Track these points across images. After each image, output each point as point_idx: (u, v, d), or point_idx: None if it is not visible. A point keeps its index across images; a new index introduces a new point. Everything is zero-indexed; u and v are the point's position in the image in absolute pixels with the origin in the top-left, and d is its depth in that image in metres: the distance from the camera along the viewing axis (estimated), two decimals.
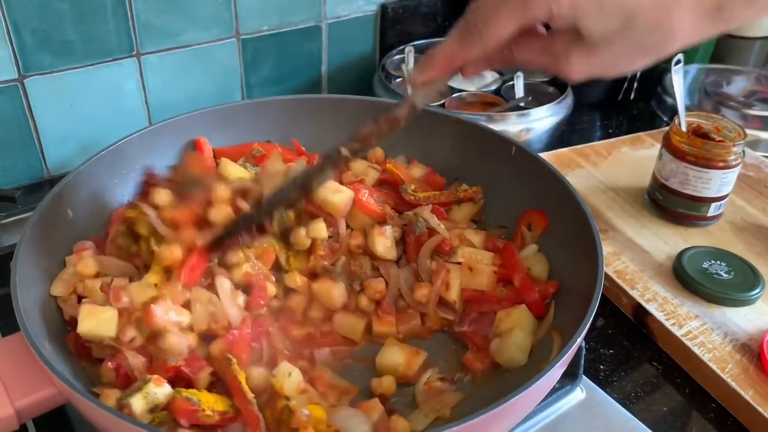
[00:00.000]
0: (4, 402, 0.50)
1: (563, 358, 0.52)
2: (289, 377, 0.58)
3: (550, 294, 0.69)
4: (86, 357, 0.60)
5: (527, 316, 0.67)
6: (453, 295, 0.70)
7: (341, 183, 0.82)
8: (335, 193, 0.72)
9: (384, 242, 0.72)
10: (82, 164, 0.70)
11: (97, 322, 0.58)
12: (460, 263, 0.72)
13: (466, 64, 0.52)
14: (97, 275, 0.63)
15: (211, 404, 0.54)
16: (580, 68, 0.49)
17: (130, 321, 0.59)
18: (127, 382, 0.56)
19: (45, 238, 0.64)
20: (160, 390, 0.53)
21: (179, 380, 0.57)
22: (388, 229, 0.73)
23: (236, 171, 0.75)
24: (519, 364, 0.64)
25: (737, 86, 1.31)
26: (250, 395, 0.56)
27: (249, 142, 0.85)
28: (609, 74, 0.49)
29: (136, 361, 0.57)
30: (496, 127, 0.97)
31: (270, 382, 0.58)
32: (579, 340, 0.54)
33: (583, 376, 0.70)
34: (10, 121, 0.93)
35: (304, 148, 0.85)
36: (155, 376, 0.54)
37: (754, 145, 1.14)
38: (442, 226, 0.74)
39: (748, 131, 0.92)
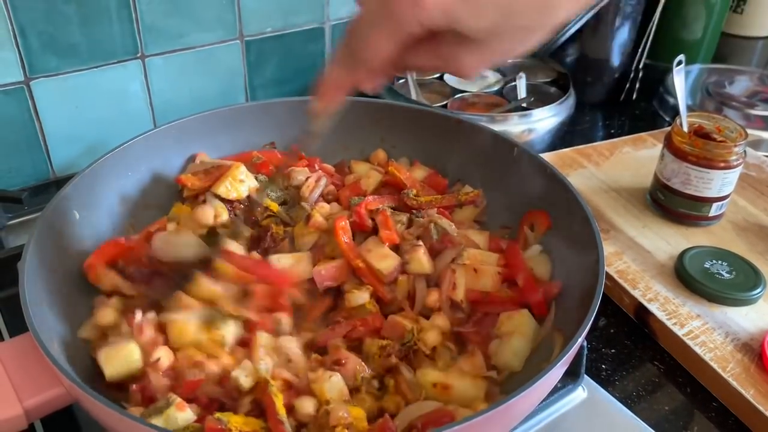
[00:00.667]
0: (13, 401, 0.51)
1: (564, 358, 0.53)
2: (330, 380, 0.58)
3: (553, 294, 0.70)
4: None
5: (529, 321, 0.67)
6: (460, 295, 0.70)
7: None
8: (381, 260, 0.71)
9: (423, 258, 0.72)
10: (89, 166, 0.71)
11: (118, 363, 0.58)
12: (464, 264, 0.72)
13: (359, 84, 0.51)
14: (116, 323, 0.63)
15: (239, 425, 0.54)
16: (472, 65, 0.48)
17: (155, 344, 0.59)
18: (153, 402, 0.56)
19: (53, 239, 0.65)
20: (181, 415, 0.53)
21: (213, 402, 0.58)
22: (421, 248, 0.72)
23: (226, 191, 0.75)
24: (513, 371, 0.64)
25: (739, 86, 1.31)
26: (283, 415, 0.55)
27: (254, 143, 0.85)
28: (503, 61, 0.48)
29: (159, 383, 0.57)
30: (498, 127, 0.98)
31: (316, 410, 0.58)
32: (581, 340, 0.55)
33: (585, 376, 0.71)
34: (16, 123, 0.94)
35: (304, 153, 0.85)
36: (178, 401, 0.54)
37: (757, 145, 1.14)
38: (456, 230, 0.74)
39: (751, 131, 0.93)
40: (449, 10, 0.43)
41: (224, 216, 0.73)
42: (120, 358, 0.58)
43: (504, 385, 0.63)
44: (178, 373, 0.58)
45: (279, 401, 0.56)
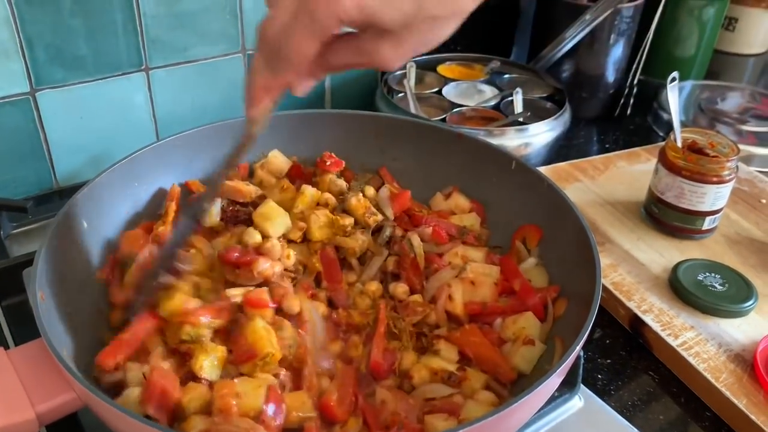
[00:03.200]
0: (25, 406, 0.51)
1: (561, 367, 0.54)
2: None
3: (551, 297, 0.71)
4: None
5: (534, 322, 0.69)
6: (457, 308, 0.71)
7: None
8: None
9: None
10: (97, 176, 0.72)
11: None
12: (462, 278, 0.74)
13: (287, 86, 0.51)
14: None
15: None
16: (393, 57, 0.49)
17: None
18: None
19: (62, 246, 0.66)
20: None
21: None
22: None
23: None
24: (523, 373, 0.66)
25: (732, 102, 1.33)
26: None
27: (256, 154, 0.87)
28: (424, 51, 0.49)
29: None
30: (495, 141, 0.99)
31: None
32: (577, 350, 0.56)
33: (582, 385, 0.72)
34: (21, 134, 0.95)
35: (301, 165, 0.87)
36: None
37: (748, 160, 1.17)
38: (422, 250, 0.77)
39: (742, 147, 0.95)
40: (364, 5, 0.44)
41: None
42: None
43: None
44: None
45: None
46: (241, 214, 0.77)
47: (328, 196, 0.80)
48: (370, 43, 0.48)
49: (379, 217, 0.80)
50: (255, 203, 0.78)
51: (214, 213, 0.76)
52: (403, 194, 0.84)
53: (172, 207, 0.77)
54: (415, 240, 0.77)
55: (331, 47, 0.49)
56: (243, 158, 0.62)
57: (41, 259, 0.60)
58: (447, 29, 0.49)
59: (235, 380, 0.58)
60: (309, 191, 0.79)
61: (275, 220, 0.74)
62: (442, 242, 0.79)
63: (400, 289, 0.73)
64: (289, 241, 0.75)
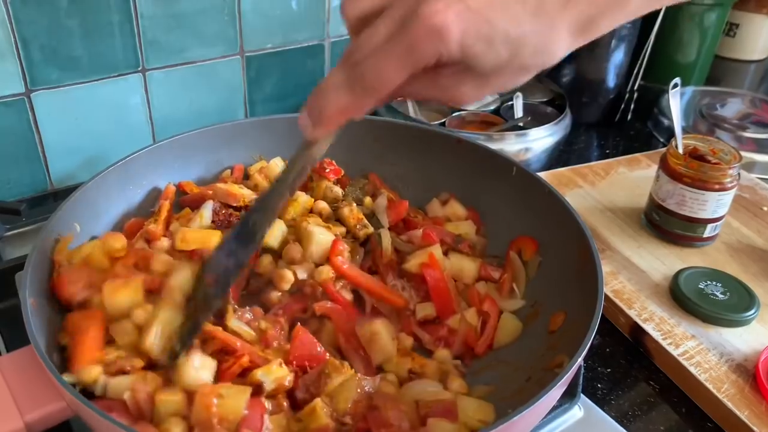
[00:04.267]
0: (14, 415, 0.50)
1: (564, 379, 0.53)
2: None
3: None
4: None
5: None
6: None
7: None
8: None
9: None
10: (91, 179, 0.71)
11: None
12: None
13: (364, 110, 0.49)
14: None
15: None
16: (472, 96, 0.49)
17: None
18: None
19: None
20: None
21: None
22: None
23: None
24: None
25: (732, 108, 1.33)
26: None
27: (254, 156, 0.86)
28: (494, 93, 0.50)
29: None
30: (495, 146, 0.99)
31: None
32: (579, 361, 0.55)
33: (582, 395, 0.71)
34: (15, 135, 0.94)
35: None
36: None
37: (749, 167, 1.16)
38: (389, 243, 0.77)
39: (743, 153, 0.94)
40: (467, 45, 0.44)
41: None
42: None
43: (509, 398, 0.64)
44: None
45: None
46: (233, 218, 0.76)
47: (322, 205, 0.79)
48: (452, 80, 0.48)
49: (371, 230, 0.79)
50: (248, 207, 0.77)
51: (205, 216, 0.75)
52: (400, 204, 0.83)
53: (166, 206, 0.76)
54: (385, 237, 0.77)
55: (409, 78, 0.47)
56: (301, 182, 0.58)
57: (31, 265, 0.59)
58: (528, 77, 0.49)
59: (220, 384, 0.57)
60: (302, 199, 0.78)
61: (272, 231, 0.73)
62: (430, 242, 0.78)
63: None
64: None
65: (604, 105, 1.31)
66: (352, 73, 0.46)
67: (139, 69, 0.99)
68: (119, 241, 0.67)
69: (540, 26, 0.46)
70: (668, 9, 1.28)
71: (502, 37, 0.45)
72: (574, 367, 0.54)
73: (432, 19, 0.43)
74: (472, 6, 0.44)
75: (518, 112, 1.14)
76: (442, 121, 1.12)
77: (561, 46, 0.47)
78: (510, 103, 1.16)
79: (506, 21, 0.45)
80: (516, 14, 0.45)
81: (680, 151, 0.93)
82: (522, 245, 0.78)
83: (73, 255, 0.65)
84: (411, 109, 1.13)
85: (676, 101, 0.95)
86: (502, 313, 0.73)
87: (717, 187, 0.90)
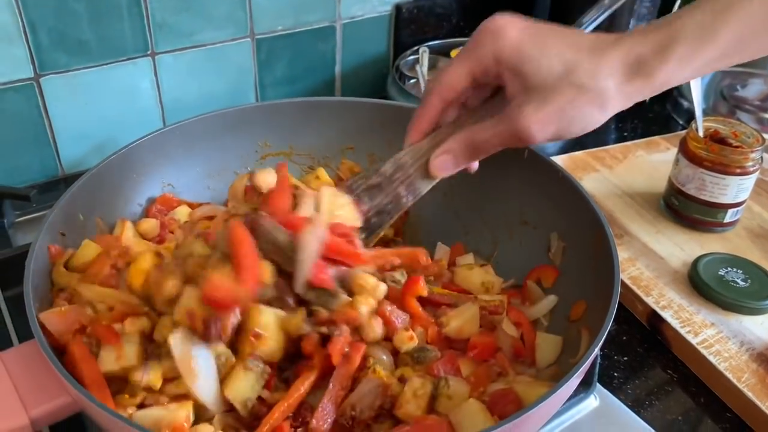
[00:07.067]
0: (19, 411, 0.49)
1: (580, 369, 0.52)
2: None
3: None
4: None
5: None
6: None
7: None
8: None
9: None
10: (95, 167, 0.70)
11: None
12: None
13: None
14: None
15: None
16: (536, 120, 0.55)
17: None
18: None
19: (58, 240, 0.64)
20: None
21: None
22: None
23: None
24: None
25: (753, 89, 1.29)
26: None
27: (261, 144, 0.84)
28: (564, 133, 0.56)
29: None
30: None
31: None
32: (596, 351, 0.54)
33: (597, 384, 0.70)
34: (25, 120, 0.93)
35: (316, 159, 0.85)
36: None
37: None
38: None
39: (765, 136, 0.91)
40: (522, 48, 0.55)
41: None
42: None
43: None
44: None
45: None
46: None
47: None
48: (516, 103, 0.57)
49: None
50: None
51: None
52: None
53: (179, 234, 0.74)
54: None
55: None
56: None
57: (35, 257, 0.58)
58: (591, 110, 0.55)
59: None
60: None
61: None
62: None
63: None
64: None
65: None
66: (468, 147, 0.61)
67: (149, 53, 0.98)
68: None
69: (593, 55, 0.54)
70: None
71: (556, 51, 0.54)
72: (591, 358, 0.53)
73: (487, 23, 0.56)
74: (532, 26, 0.56)
75: None
76: None
77: (612, 79, 0.54)
78: None
79: (562, 40, 0.55)
80: (574, 40, 0.55)
81: (700, 134, 0.91)
82: (541, 274, 0.74)
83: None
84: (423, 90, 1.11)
85: (696, 83, 0.92)
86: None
87: (738, 171, 0.88)
